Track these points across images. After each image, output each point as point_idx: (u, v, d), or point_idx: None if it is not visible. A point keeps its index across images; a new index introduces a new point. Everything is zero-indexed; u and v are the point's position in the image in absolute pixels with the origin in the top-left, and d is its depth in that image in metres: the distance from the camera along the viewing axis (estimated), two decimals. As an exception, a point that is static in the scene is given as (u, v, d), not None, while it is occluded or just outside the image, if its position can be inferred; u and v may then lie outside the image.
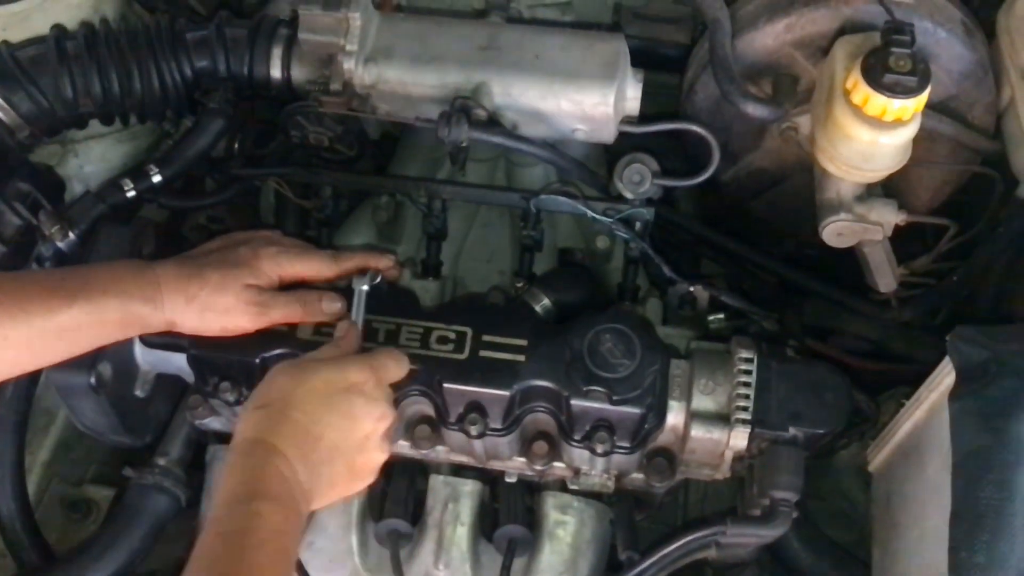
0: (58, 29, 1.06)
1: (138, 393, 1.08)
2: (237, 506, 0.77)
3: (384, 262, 1.05)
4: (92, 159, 1.20)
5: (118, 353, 1.01)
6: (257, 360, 0.99)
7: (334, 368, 0.87)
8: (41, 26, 1.07)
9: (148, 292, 0.93)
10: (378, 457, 0.90)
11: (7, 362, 0.88)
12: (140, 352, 1.06)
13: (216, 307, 0.95)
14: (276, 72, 1.08)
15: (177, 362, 1.03)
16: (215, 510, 0.78)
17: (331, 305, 1.00)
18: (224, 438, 1.16)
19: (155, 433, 1.17)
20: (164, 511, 1.15)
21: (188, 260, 0.98)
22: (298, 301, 0.99)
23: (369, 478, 0.90)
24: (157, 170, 1.07)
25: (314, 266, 1.02)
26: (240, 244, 1.01)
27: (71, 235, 1.03)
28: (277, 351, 0.98)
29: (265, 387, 0.86)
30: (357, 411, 0.86)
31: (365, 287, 0.99)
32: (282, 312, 0.98)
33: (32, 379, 1.08)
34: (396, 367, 0.92)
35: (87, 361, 0.96)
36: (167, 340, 1.03)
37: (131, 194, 1.06)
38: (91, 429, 1.07)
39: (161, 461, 1.16)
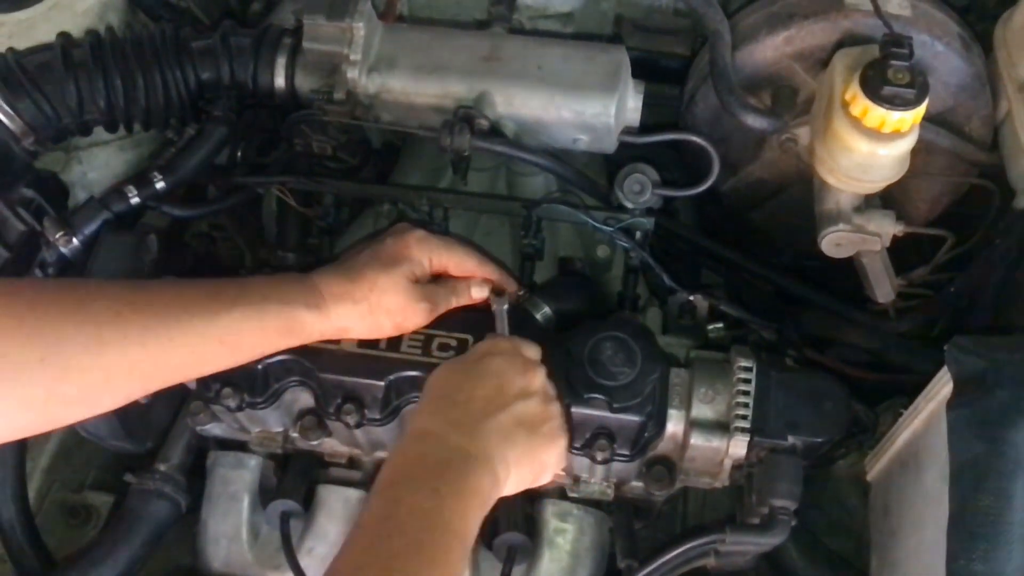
0: (64, 37, 1.07)
1: (140, 399, 1.08)
2: (376, 498, 0.78)
3: (513, 286, 1.05)
4: (96, 166, 1.21)
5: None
6: (259, 366, 0.99)
7: (468, 352, 0.93)
8: (47, 34, 1.08)
9: (311, 299, 0.91)
10: (552, 408, 0.90)
11: (173, 368, 0.86)
12: (142, 358, 1.06)
13: (387, 308, 0.93)
14: (280, 81, 1.09)
15: (179, 368, 1.04)
16: (360, 513, 0.79)
17: (480, 291, 1.00)
18: (225, 444, 1.16)
19: (156, 439, 1.17)
20: (164, 517, 1.15)
21: (343, 265, 0.96)
22: (453, 292, 0.99)
23: (553, 436, 0.89)
24: (161, 177, 1.07)
25: (457, 258, 1.01)
26: (385, 237, 0.99)
27: (75, 241, 1.03)
28: (279, 357, 0.98)
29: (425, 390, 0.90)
30: (495, 367, 0.88)
31: (506, 306, 0.99)
32: (445, 303, 0.98)
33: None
34: (531, 347, 0.94)
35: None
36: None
37: (135, 201, 1.07)
38: (92, 434, 1.07)
39: (162, 467, 1.16)
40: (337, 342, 0.98)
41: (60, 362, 0.76)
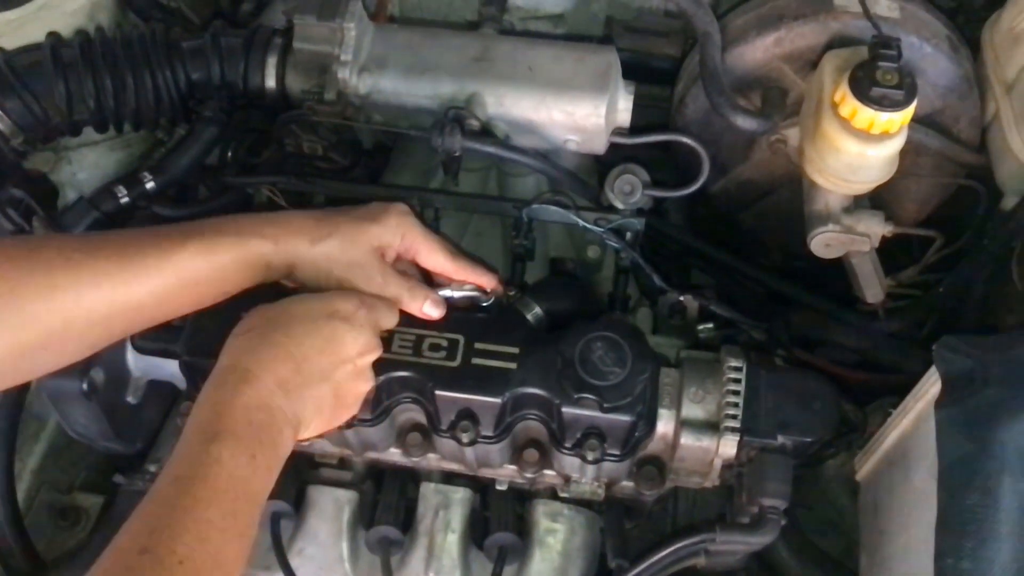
0: (54, 37, 1.07)
1: (130, 399, 1.08)
2: (197, 446, 0.74)
3: (492, 283, 1.01)
4: (86, 166, 1.21)
5: (110, 359, 1.01)
6: (249, 367, 0.99)
7: (320, 297, 0.87)
8: (36, 33, 1.08)
9: (268, 230, 0.87)
10: (363, 386, 0.89)
11: (132, 310, 0.82)
12: (132, 358, 1.06)
13: (342, 259, 0.89)
14: (271, 81, 1.09)
15: (169, 368, 1.04)
16: (178, 445, 0.76)
17: (432, 309, 0.95)
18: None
19: (146, 440, 1.17)
20: (154, 518, 1.14)
21: (317, 209, 0.93)
22: (408, 288, 0.94)
23: (354, 407, 0.89)
24: (151, 177, 1.08)
25: (434, 250, 0.96)
26: (372, 203, 0.97)
27: (64, 241, 1.03)
28: (270, 358, 0.98)
29: (248, 316, 0.84)
30: (341, 336, 0.84)
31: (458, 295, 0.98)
32: (394, 291, 0.93)
33: (23, 385, 1.08)
34: (387, 312, 0.91)
35: (79, 367, 0.96)
36: (160, 346, 1.03)
37: (124, 201, 1.07)
38: (82, 436, 1.07)
39: (152, 468, 1.16)
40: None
41: (15, 311, 0.75)
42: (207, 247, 0.84)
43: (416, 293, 0.95)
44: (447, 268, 0.98)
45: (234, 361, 0.80)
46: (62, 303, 0.78)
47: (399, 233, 0.94)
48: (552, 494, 1.11)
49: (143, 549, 0.68)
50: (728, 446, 0.96)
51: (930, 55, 1.02)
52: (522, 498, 1.12)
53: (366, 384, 0.90)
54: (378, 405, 0.99)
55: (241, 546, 0.74)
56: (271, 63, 1.08)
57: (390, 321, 0.92)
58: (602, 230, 1.06)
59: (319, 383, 0.83)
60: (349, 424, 0.93)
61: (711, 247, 1.17)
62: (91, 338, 0.82)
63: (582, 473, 1.06)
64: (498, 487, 1.11)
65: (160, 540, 0.69)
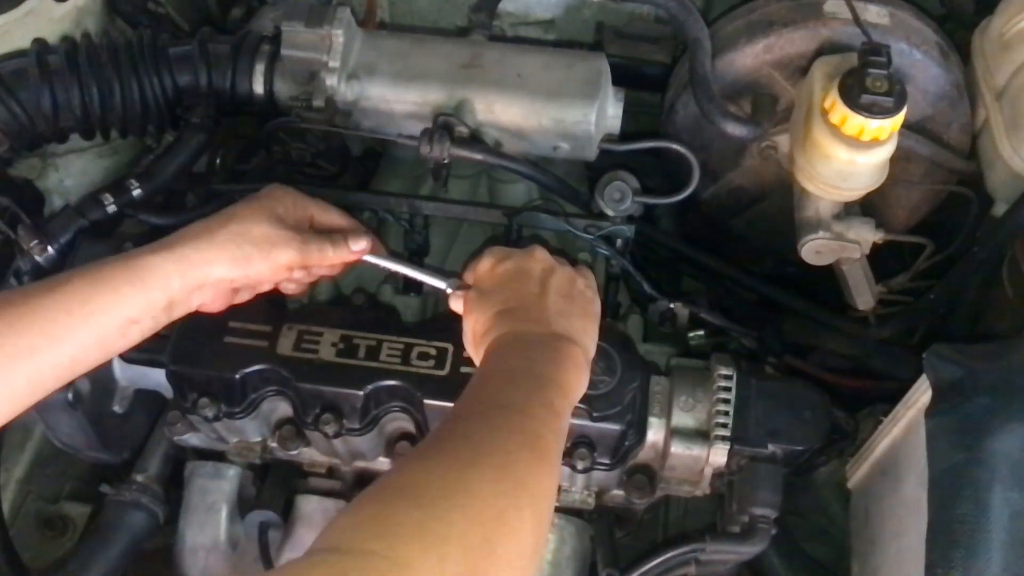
0: (39, 43, 1.06)
1: (116, 409, 1.07)
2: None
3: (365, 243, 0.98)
4: (72, 173, 1.20)
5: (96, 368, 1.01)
6: (237, 376, 0.98)
7: (474, 283, 0.92)
8: (22, 40, 1.07)
9: (158, 244, 0.85)
10: (573, 273, 0.91)
11: (34, 364, 0.78)
12: (119, 367, 1.05)
13: (251, 237, 0.87)
14: (259, 88, 1.08)
15: (156, 378, 1.03)
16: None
17: (358, 243, 0.96)
18: (203, 454, 1.15)
19: (133, 449, 1.16)
20: (141, 528, 1.14)
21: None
22: (328, 239, 0.94)
23: (590, 289, 0.92)
24: (138, 185, 1.07)
25: (320, 207, 0.97)
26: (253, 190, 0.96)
27: (50, 250, 1.02)
28: (256, 367, 0.98)
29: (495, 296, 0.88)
30: (510, 268, 0.89)
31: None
32: (318, 247, 0.92)
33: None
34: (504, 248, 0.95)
35: (64, 377, 0.96)
36: (146, 355, 1.03)
37: (111, 209, 1.06)
38: (68, 445, 1.06)
39: (139, 477, 1.15)
40: (315, 352, 0.97)
41: None
42: (93, 273, 0.82)
43: (335, 239, 0.94)
44: (342, 222, 0.98)
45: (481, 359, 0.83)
46: None
47: (288, 201, 0.93)
48: (542, 503, 1.10)
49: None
50: (718, 455, 0.96)
51: (920, 62, 1.01)
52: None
53: (566, 266, 0.92)
54: (366, 414, 0.98)
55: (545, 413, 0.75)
56: (259, 70, 1.08)
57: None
58: (592, 237, 1.05)
59: (543, 299, 0.86)
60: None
61: (702, 254, 1.17)
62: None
63: (572, 482, 1.05)
64: (488, 496, 1.10)
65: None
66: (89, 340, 0.81)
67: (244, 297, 0.94)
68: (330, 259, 0.94)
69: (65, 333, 0.79)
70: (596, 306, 0.92)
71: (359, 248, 0.96)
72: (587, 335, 0.88)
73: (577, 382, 0.81)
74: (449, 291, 0.94)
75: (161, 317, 0.85)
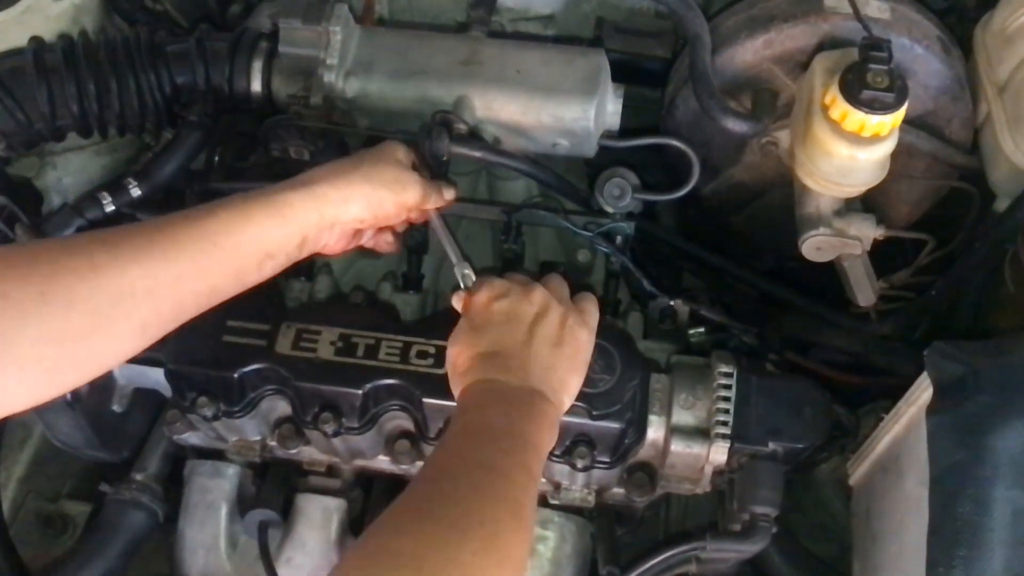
0: (36, 41, 1.06)
1: (115, 408, 1.07)
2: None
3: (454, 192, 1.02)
4: (71, 171, 1.19)
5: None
6: (235, 375, 0.98)
7: (468, 313, 0.91)
8: (19, 38, 1.06)
9: (297, 181, 0.88)
10: (566, 317, 0.91)
11: (177, 282, 0.79)
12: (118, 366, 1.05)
13: (382, 179, 0.91)
14: (256, 85, 1.08)
15: (155, 377, 1.03)
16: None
17: (449, 192, 1.00)
18: (203, 453, 1.15)
19: (132, 448, 1.16)
20: (141, 527, 1.14)
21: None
22: (432, 185, 0.97)
23: (580, 336, 0.91)
24: (136, 183, 1.06)
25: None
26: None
27: (48, 248, 1.02)
28: (255, 366, 0.98)
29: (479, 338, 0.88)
30: (503, 309, 0.89)
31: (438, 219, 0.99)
32: (435, 189, 0.97)
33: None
34: (515, 274, 0.95)
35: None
36: (145, 354, 1.02)
37: (109, 208, 1.06)
38: (67, 444, 1.06)
39: (138, 476, 1.15)
40: (314, 351, 0.97)
41: (61, 293, 0.73)
42: (240, 207, 0.84)
43: (434, 186, 0.98)
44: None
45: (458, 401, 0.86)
46: (106, 280, 0.76)
47: (403, 149, 0.97)
48: (543, 501, 1.10)
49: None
50: (719, 453, 0.95)
51: (921, 56, 1.01)
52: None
53: (561, 309, 0.91)
54: (364, 413, 0.98)
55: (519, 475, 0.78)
56: (257, 67, 1.07)
57: (518, 276, 0.96)
58: (592, 234, 1.05)
59: (528, 347, 0.87)
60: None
61: (702, 250, 1.16)
62: (140, 315, 0.78)
63: (572, 480, 1.05)
64: (488, 494, 1.10)
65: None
66: (230, 271, 0.83)
67: (361, 240, 0.98)
68: (436, 202, 0.98)
69: (210, 263, 0.81)
70: (585, 350, 0.92)
71: (450, 196, 1.00)
72: (565, 389, 0.89)
73: (549, 439, 0.84)
74: (465, 282, 0.94)
75: (294, 253, 0.87)
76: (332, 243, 0.92)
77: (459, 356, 0.88)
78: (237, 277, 0.84)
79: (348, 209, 0.89)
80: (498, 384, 0.84)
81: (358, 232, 0.96)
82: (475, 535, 0.69)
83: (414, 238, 1.09)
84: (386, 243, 1.01)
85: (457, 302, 0.93)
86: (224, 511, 1.13)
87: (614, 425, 0.95)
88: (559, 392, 0.87)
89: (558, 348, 0.88)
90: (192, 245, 0.80)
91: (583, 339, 0.92)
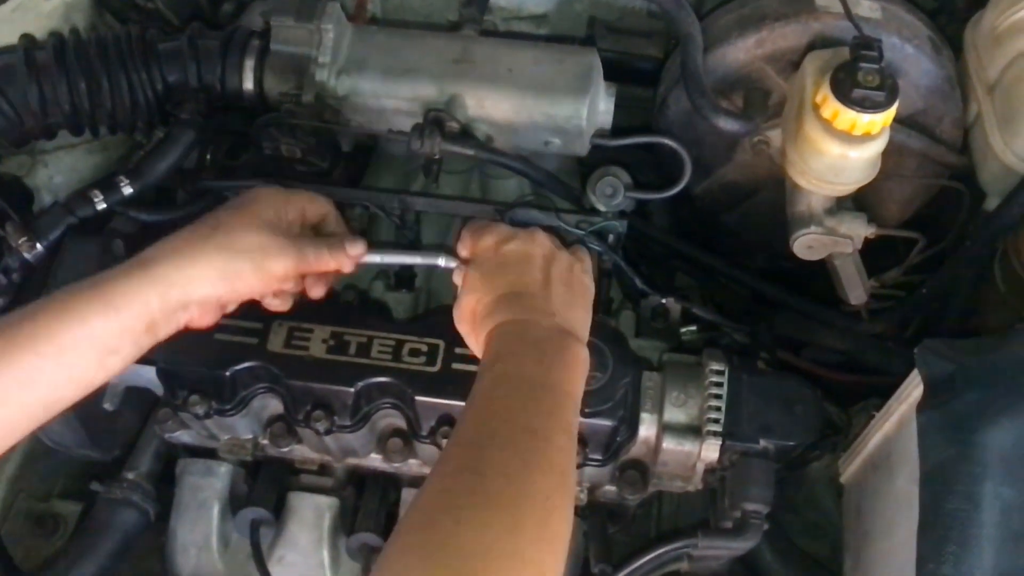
0: (27, 39, 1.05)
1: (106, 406, 1.06)
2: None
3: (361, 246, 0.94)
4: (62, 170, 1.19)
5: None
6: (227, 373, 0.98)
7: (477, 260, 0.90)
8: (10, 36, 1.06)
9: (134, 262, 0.79)
10: (571, 258, 0.91)
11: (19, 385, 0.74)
12: (109, 365, 1.04)
13: (240, 247, 0.81)
14: (248, 83, 1.07)
15: (146, 375, 1.02)
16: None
17: (354, 247, 0.91)
18: (194, 452, 1.15)
19: (124, 447, 1.15)
20: (133, 526, 1.14)
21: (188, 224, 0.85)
22: (324, 243, 0.89)
23: (587, 274, 0.92)
24: (127, 181, 1.06)
25: (306, 198, 0.91)
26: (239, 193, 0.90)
27: (38, 246, 1.02)
28: (247, 364, 0.97)
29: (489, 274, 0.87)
30: (516, 250, 0.88)
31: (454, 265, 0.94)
32: (314, 252, 0.87)
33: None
34: (504, 225, 0.94)
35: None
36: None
37: (100, 206, 1.05)
38: (57, 443, 1.05)
39: (130, 475, 1.15)
40: (306, 349, 0.97)
41: None
42: (69, 296, 0.77)
43: (332, 243, 0.90)
44: (331, 211, 0.94)
45: (485, 343, 0.82)
46: None
47: (278, 203, 0.88)
48: (535, 499, 1.10)
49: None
50: (710, 450, 0.96)
51: (912, 56, 1.01)
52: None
53: (564, 251, 0.92)
54: (356, 411, 0.98)
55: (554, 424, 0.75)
56: (248, 65, 1.07)
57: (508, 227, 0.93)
58: (584, 232, 1.05)
59: (548, 287, 0.86)
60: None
61: (695, 249, 1.17)
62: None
63: (564, 478, 1.05)
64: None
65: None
66: (62, 379, 0.75)
67: (232, 308, 0.90)
68: (327, 265, 0.89)
69: (36, 375, 0.73)
70: (591, 292, 0.92)
71: (356, 251, 0.91)
72: (586, 326, 0.88)
73: (582, 385, 0.82)
74: (452, 266, 0.93)
75: (144, 340, 0.80)
76: (197, 318, 0.84)
77: (478, 303, 0.85)
78: (75, 383, 0.76)
79: (196, 288, 0.80)
80: (528, 325, 0.81)
81: (225, 305, 0.87)
82: (530, 522, 0.66)
83: (406, 237, 1.09)
84: (315, 290, 0.92)
85: (458, 277, 0.91)
86: (216, 510, 1.13)
87: (606, 422, 0.95)
88: (583, 329, 0.86)
89: (571, 288, 0.88)
90: (10, 359, 0.72)
91: (587, 282, 0.92)
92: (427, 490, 0.68)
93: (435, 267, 0.95)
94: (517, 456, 0.70)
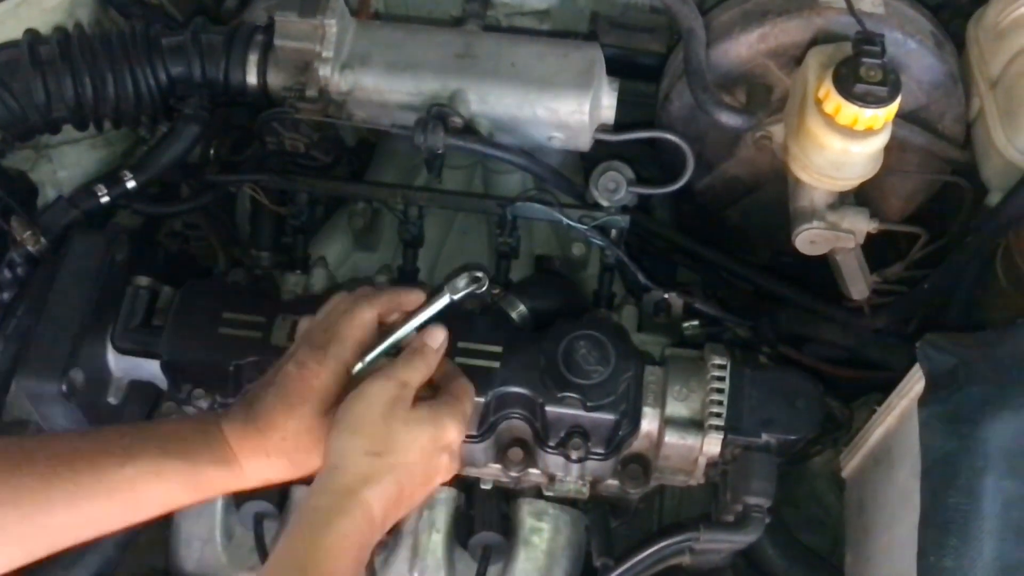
0: (31, 34, 1.06)
1: (111, 400, 1.07)
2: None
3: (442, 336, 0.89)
4: (66, 164, 1.19)
5: (91, 359, 1.00)
6: (231, 367, 0.98)
7: (437, 424, 0.82)
8: (14, 31, 1.06)
9: (219, 454, 0.81)
10: (451, 470, 0.87)
11: (55, 531, 0.78)
12: (113, 359, 1.05)
13: (305, 449, 0.82)
14: (252, 78, 1.08)
15: (150, 369, 1.03)
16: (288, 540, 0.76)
17: (435, 337, 0.87)
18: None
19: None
20: (137, 519, 1.14)
21: (250, 409, 0.83)
22: (403, 361, 0.84)
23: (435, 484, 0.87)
24: (131, 176, 1.06)
25: (402, 291, 0.90)
26: (286, 363, 0.85)
27: (43, 241, 1.02)
28: (251, 358, 0.98)
29: (383, 428, 0.80)
30: (443, 467, 0.84)
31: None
32: (386, 376, 0.83)
33: (2, 387, 1.07)
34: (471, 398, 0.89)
35: (58, 367, 0.96)
36: (141, 346, 1.03)
37: (105, 200, 1.05)
38: (60, 437, 1.05)
39: (133, 470, 1.15)
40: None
41: None
42: (151, 467, 0.79)
43: (414, 354, 0.86)
44: (419, 298, 0.90)
45: (355, 486, 0.78)
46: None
47: (332, 383, 0.84)
48: (537, 493, 1.11)
49: None
50: (712, 444, 0.96)
51: (914, 51, 1.01)
52: (507, 497, 1.12)
53: (456, 463, 0.87)
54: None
55: None
56: (252, 60, 1.07)
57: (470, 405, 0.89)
58: (587, 227, 1.05)
59: (409, 505, 0.83)
60: None
61: (697, 244, 1.17)
62: (6, 558, 0.78)
63: (567, 472, 1.05)
64: (483, 486, 1.11)
65: None
66: (117, 519, 0.80)
67: None
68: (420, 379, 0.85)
69: (102, 515, 0.79)
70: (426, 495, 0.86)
71: (437, 345, 0.87)
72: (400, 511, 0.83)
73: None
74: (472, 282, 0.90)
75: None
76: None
77: (346, 453, 0.80)
78: (129, 521, 0.81)
79: (272, 479, 0.84)
80: (353, 512, 0.77)
81: None
82: None
83: (409, 231, 1.09)
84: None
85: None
86: (219, 503, 1.13)
87: (608, 416, 0.95)
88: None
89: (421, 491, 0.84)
90: (83, 497, 0.76)
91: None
92: None
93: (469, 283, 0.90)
94: None
